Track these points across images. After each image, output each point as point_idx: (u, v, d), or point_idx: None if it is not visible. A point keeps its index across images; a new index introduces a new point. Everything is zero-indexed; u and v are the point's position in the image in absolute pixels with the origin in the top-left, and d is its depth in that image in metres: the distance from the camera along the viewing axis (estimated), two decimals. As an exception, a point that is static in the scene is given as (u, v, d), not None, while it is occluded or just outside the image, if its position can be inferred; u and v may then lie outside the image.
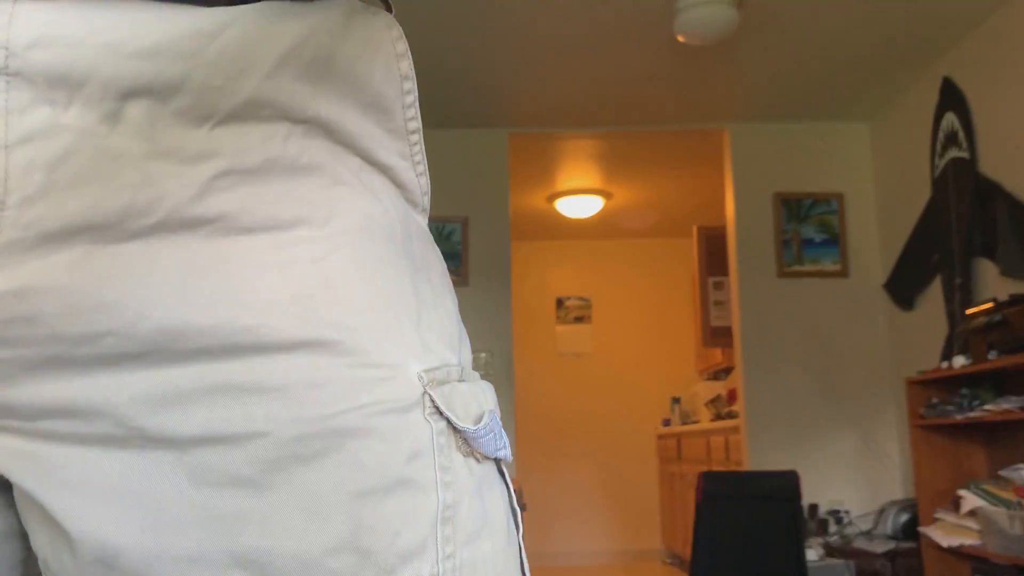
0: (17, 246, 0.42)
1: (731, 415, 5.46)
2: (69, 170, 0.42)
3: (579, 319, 7.20)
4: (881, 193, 4.71)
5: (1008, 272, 3.50)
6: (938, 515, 3.53)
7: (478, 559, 0.48)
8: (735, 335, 4.74)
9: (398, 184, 0.52)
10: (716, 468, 5.14)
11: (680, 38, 3.61)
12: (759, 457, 4.53)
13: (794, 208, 4.75)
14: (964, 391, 3.44)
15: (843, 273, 4.70)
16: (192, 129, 0.44)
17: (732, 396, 5.79)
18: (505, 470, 0.52)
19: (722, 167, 5.18)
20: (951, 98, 3.98)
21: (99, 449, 0.43)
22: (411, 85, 0.52)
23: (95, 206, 0.42)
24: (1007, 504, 3.11)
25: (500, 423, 0.51)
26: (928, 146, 4.19)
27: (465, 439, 0.48)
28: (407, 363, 0.47)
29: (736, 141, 4.80)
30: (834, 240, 4.73)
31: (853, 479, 4.52)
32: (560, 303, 7.21)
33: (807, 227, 4.73)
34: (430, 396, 0.47)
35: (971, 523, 3.29)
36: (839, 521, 4.27)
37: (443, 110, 4.54)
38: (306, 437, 0.43)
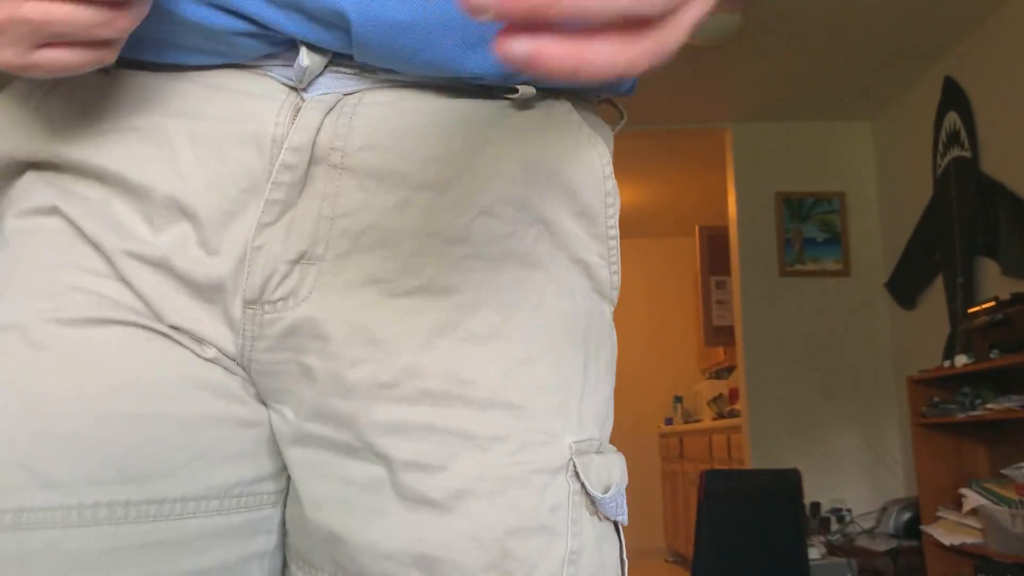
0: (328, 287, 0.57)
1: (733, 414, 5.46)
2: (368, 239, 0.57)
3: (581, 318, 7.20)
4: (883, 192, 4.71)
5: (1010, 271, 3.50)
6: (940, 514, 3.54)
7: None
8: (737, 334, 4.75)
9: (591, 278, 0.64)
10: (718, 467, 5.14)
11: (682, 38, 3.61)
12: (761, 456, 4.53)
13: (796, 207, 4.75)
14: (966, 390, 3.45)
15: (845, 272, 4.71)
16: (455, 218, 0.58)
17: (734, 395, 5.80)
18: (620, 528, 0.64)
19: (724, 166, 5.19)
20: (953, 97, 3.98)
21: (339, 456, 0.57)
22: (613, 200, 0.65)
23: (382, 266, 0.57)
24: (1009, 503, 3.11)
25: (624, 494, 0.62)
26: (930, 145, 4.19)
27: (593, 501, 0.59)
28: (564, 434, 0.59)
29: (738, 140, 4.80)
30: (836, 239, 4.73)
31: (855, 478, 4.53)
32: (562, 302, 7.21)
33: (809, 226, 4.74)
34: (574, 463, 0.59)
35: (973, 522, 3.30)
36: (841, 520, 4.27)
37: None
38: (482, 478, 0.56)
